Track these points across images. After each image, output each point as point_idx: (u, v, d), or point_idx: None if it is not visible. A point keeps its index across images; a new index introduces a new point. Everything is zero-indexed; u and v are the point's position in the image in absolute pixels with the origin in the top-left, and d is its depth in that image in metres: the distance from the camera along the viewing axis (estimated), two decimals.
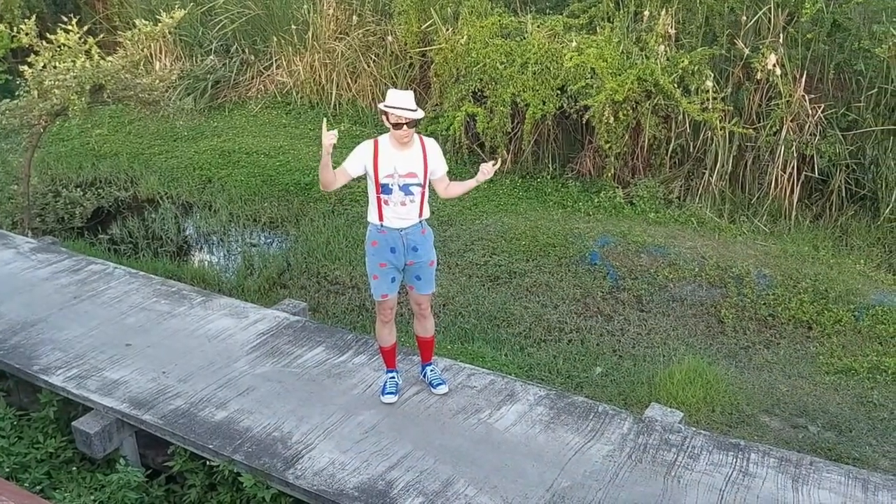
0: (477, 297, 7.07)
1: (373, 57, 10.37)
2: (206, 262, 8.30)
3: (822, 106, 7.79)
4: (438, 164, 4.47)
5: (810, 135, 7.76)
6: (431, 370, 4.96)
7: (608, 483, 3.99)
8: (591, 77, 8.01)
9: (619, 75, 7.87)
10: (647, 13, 8.23)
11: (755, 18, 7.92)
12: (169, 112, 8.48)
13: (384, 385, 4.86)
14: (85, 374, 5.20)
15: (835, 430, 5.29)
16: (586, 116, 8.12)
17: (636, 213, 8.22)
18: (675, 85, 7.83)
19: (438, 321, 6.97)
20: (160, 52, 11.81)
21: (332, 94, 10.64)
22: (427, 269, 4.60)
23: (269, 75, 11.33)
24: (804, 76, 7.77)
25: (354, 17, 10.52)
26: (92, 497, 4.58)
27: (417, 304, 4.73)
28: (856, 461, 4.88)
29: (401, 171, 4.31)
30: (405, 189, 4.34)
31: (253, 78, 11.42)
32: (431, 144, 4.45)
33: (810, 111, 7.75)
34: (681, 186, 8.41)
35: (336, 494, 4.04)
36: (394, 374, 4.88)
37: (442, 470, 4.16)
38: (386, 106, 4.23)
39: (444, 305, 7.04)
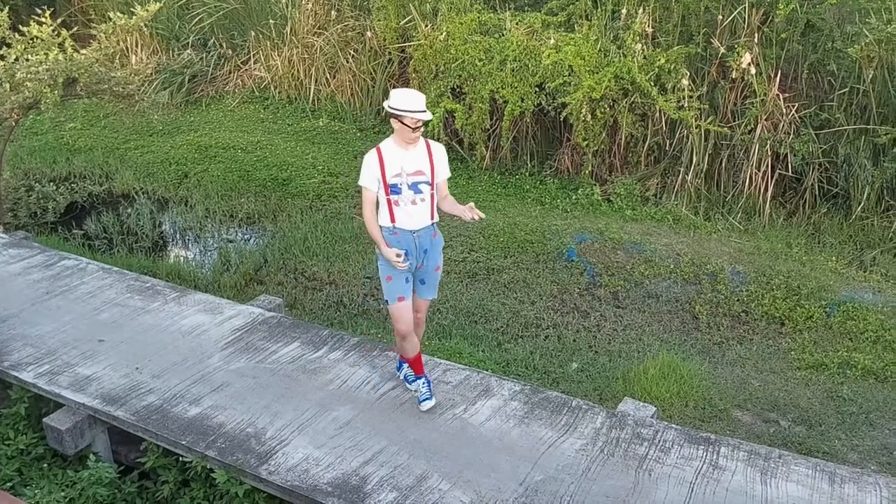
0: (455, 293, 7.08)
1: (351, 52, 10.34)
2: (181, 258, 8.23)
3: (796, 105, 7.90)
4: (443, 167, 4.45)
5: (784, 133, 7.86)
6: (422, 384, 4.77)
7: (580, 476, 4.02)
8: (569, 75, 8.05)
9: (597, 73, 7.92)
10: (624, 11, 8.28)
11: (730, 18, 8.00)
12: (144, 106, 8.40)
13: (420, 392, 4.69)
14: (57, 370, 5.14)
15: (805, 425, 5.37)
16: (564, 114, 8.16)
17: (613, 211, 8.27)
18: (652, 83, 7.89)
19: None
20: (136, 46, 11.67)
21: (310, 89, 10.59)
22: (433, 275, 4.57)
23: (246, 70, 11.26)
24: (778, 75, 7.86)
25: (333, 13, 10.48)
26: (63, 493, 4.53)
27: (417, 310, 4.63)
28: (825, 455, 4.96)
29: (408, 170, 4.29)
30: (414, 187, 4.31)
31: (230, 72, 11.34)
32: (437, 147, 4.45)
33: (784, 110, 7.85)
34: (657, 184, 8.49)
35: (310, 490, 4.03)
36: (423, 379, 4.72)
37: (416, 465, 4.17)
38: (402, 110, 4.17)
39: None
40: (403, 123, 4.19)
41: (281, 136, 10.11)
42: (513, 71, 8.33)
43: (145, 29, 11.33)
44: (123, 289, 6.21)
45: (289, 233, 8.15)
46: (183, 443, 4.46)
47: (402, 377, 4.93)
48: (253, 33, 11.06)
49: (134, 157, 9.96)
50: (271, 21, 10.74)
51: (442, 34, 8.81)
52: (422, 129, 4.27)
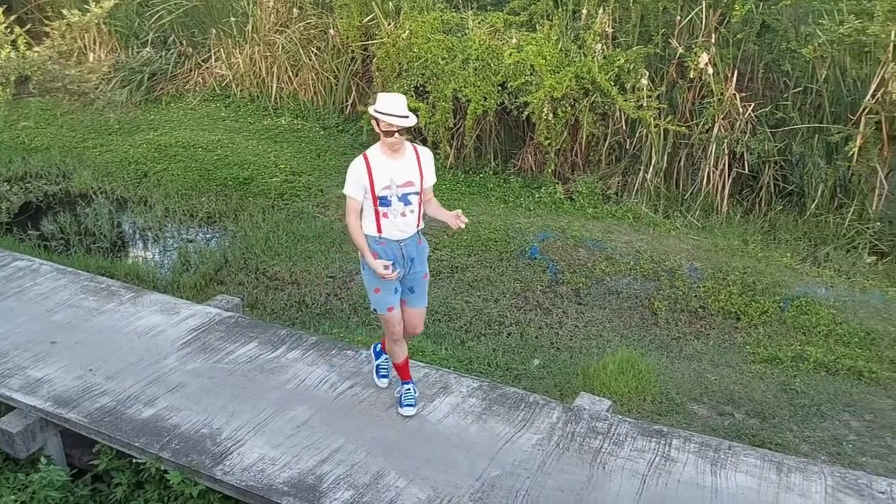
0: None
1: (314, 50, 10.27)
2: (140, 259, 8.11)
3: (752, 104, 8.03)
4: (431, 174, 4.36)
5: (741, 132, 7.99)
6: (407, 389, 4.70)
7: (536, 471, 4.06)
8: (531, 74, 8.10)
9: (558, 73, 7.98)
10: (585, 12, 8.35)
11: (688, 18, 8.12)
12: (101, 105, 8.25)
13: (401, 397, 4.64)
14: (7, 373, 5.03)
15: (759, 417, 5.47)
16: (526, 113, 8.20)
17: (575, 209, 8.34)
18: (612, 83, 7.97)
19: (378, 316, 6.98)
20: (94, 44, 11.44)
21: (272, 87, 10.50)
22: (421, 282, 4.46)
23: (207, 68, 11.11)
24: (735, 75, 7.99)
25: (295, 10, 10.40)
26: (13, 497, 4.45)
27: (412, 324, 4.52)
28: (778, 446, 5.05)
29: (398, 182, 4.15)
30: (404, 199, 4.18)
31: (191, 70, 11.18)
32: (425, 153, 4.33)
33: (741, 109, 7.98)
34: (618, 182, 8.58)
35: (265, 489, 4.01)
36: (410, 385, 4.66)
37: (373, 462, 4.17)
38: (377, 112, 4.07)
39: None
40: (379, 127, 4.09)
41: (242, 135, 10.01)
42: (475, 70, 8.35)
43: (103, 26, 11.13)
44: (78, 290, 6.10)
45: (250, 232, 8.07)
46: (137, 444, 4.40)
47: (375, 363, 4.85)
48: (214, 31, 10.92)
49: (92, 156, 9.77)
50: (232, 18, 10.63)
51: (405, 32, 8.80)
52: (400, 137, 4.09)
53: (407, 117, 4.08)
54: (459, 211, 4.29)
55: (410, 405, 4.61)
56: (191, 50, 11.25)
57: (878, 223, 7.58)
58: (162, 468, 4.32)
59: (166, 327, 5.52)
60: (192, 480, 4.21)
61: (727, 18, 8.06)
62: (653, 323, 6.74)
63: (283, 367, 5.05)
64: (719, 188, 8.13)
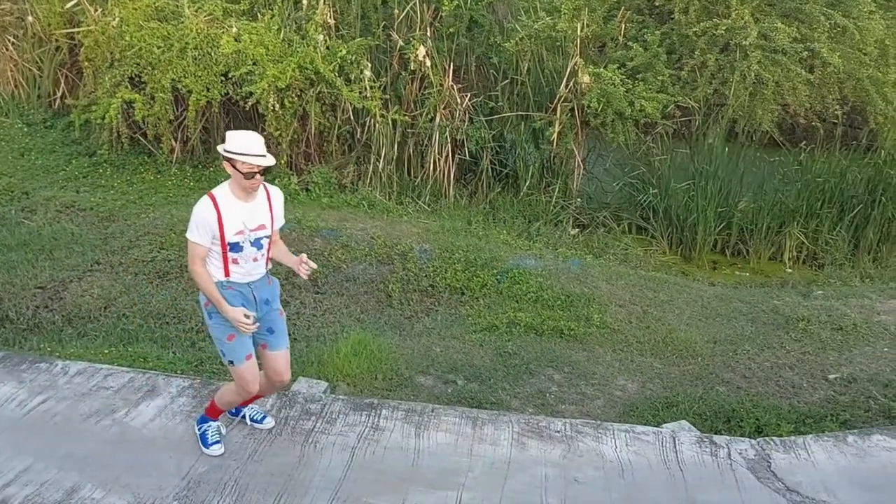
0: (143, 295, 6.66)
1: (11, 39, 9.17)
2: None
3: (469, 95, 8.63)
4: (281, 216, 4.06)
5: (460, 121, 8.57)
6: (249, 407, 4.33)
7: (247, 460, 4.02)
8: (254, 64, 7.95)
9: (281, 63, 7.92)
10: (305, 2, 8.37)
11: (405, 12, 8.49)
12: None
13: (205, 435, 4.16)
14: None
15: (478, 381, 5.90)
16: (250, 103, 8.04)
17: (311, 199, 8.36)
18: (336, 74, 8.09)
19: (98, 325, 6.44)
20: None
21: None
22: (279, 320, 4.13)
23: None
24: (451, 67, 8.52)
25: None
26: None
27: (277, 370, 4.07)
28: (492, 405, 5.49)
29: (251, 226, 3.83)
30: (256, 244, 3.88)
31: None
32: (277, 193, 4.03)
33: (459, 99, 8.54)
34: (353, 172, 8.76)
35: None
36: (218, 423, 4.21)
37: (67, 478, 3.85)
38: (233, 153, 3.69)
39: (104, 308, 6.54)
40: (236, 168, 3.72)
41: None
42: (195, 59, 7.99)
43: None
44: None
45: None
46: None
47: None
48: None
49: None
50: None
51: (114, 19, 8.17)
52: (260, 178, 3.77)
53: (265, 156, 3.76)
54: (304, 255, 4.05)
55: (218, 443, 4.17)
56: None
57: (579, 199, 8.57)
58: None
59: None
60: None
61: (440, 13, 8.56)
62: (388, 305, 6.97)
63: None
64: (446, 174, 8.65)
